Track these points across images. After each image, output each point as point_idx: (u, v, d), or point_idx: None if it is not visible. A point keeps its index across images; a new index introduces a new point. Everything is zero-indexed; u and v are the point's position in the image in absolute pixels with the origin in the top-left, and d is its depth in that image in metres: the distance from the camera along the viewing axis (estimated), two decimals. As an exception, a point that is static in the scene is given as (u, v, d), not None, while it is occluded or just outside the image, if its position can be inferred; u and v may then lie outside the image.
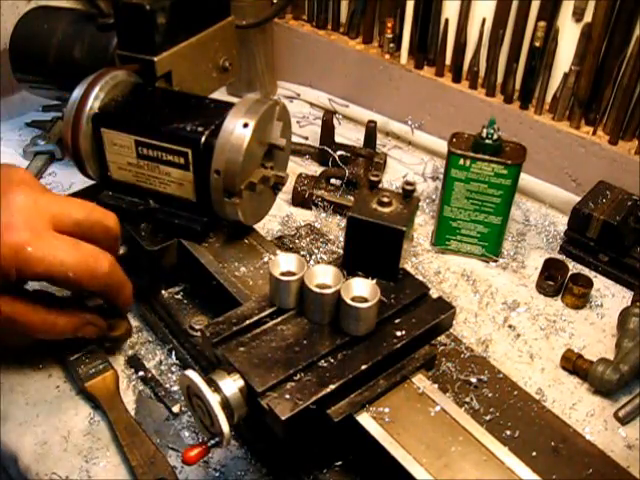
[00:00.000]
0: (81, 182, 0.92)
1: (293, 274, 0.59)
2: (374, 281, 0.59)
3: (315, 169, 1.09)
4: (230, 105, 0.72)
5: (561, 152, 1.02)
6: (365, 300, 0.56)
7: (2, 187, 0.63)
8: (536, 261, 0.92)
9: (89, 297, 0.73)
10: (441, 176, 0.92)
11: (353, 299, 0.56)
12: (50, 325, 0.66)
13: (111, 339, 0.75)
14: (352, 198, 0.98)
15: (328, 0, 1.22)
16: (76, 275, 0.63)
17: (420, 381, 0.60)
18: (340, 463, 0.61)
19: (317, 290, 0.57)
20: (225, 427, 0.52)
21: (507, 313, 0.85)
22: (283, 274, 0.59)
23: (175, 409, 0.70)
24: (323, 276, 0.59)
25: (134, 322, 0.80)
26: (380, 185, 0.67)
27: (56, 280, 0.64)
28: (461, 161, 0.86)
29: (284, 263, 0.60)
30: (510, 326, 0.83)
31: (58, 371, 0.75)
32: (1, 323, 0.63)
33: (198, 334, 0.72)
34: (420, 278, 0.67)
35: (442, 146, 0.98)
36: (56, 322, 0.67)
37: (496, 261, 0.93)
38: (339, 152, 1.06)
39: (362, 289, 0.57)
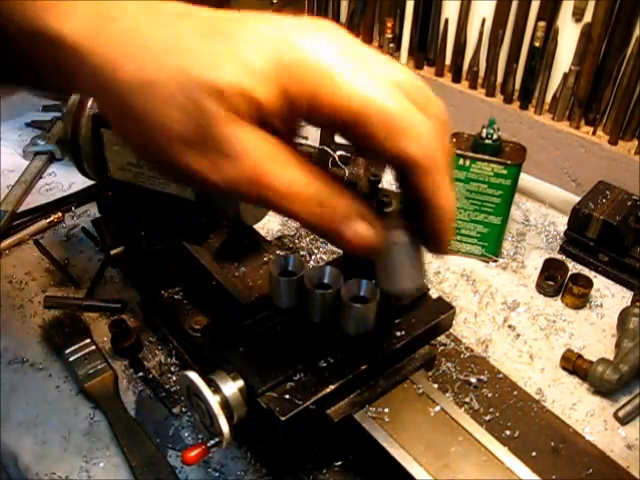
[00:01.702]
0: (81, 182, 0.93)
1: (293, 274, 0.59)
2: (373, 281, 0.59)
3: (315, 169, 1.09)
4: (230, 105, 0.72)
5: (561, 152, 1.02)
6: (365, 300, 0.56)
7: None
8: (536, 261, 0.92)
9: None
10: (441, 176, 0.92)
11: (352, 299, 0.56)
12: (311, 194, 0.41)
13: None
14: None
15: (328, 0, 1.22)
16: (394, 121, 0.40)
17: (420, 381, 0.60)
18: (340, 463, 0.61)
19: (317, 290, 0.57)
20: (225, 427, 0.52)
21: (507, 313, 0.85)
22: (283, 274, 0.59)
23: (175, 409, 0.70)
24: (323, 276, 0.58)
25: (134, 322, 0.80)
26: (380, 185, 0.67)
27: (362, 133, 0.40)
28: (461, 161, 0.86)
29: (284, 263, 0.60)
30: (510, 326, 0.83)
31: (58, 371, 0.75)
32: (248, 173, 0.40)
33: (198, 334, 0.72)
34: (420, 278, 0.67)
35: (442, 146, 0.98)
36: (321, 192, 0.42)
37: (496, 261, 0.93)
38: (339, 152, 1.06)
39: (362, 289, 0.57)
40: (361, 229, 0.42)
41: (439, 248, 0.47)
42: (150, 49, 0.40)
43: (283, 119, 0.40)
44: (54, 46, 0.40)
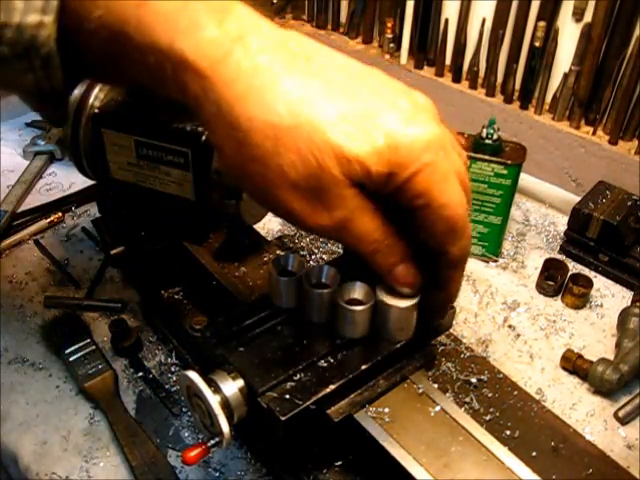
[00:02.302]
0: (81, 182, 0.93)
1: (293, 274, 0.59)
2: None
3: (315, 169, 1.09)
4: (230, 105, 0.72)
5: (561, 152, 1.02)
6: (360, 303, 0.56)
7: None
8: (536, 261, 0.92)
9: None
10: (441, 176, 0.92)
11: (348, 302, 0.56)
12: (381, 241, 0.49)
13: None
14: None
15: (328, 0, 1.22)
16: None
17: (420, 381, 0.60)
18: (340, 463, 0.61)
19: (316, 290, 0.57)
20: (225, 427, 0.52)
21: (507, 313, 0.85)
22: (282, 274, 0.59)
23: (175, 409, 0.70)
24: (321, 276, 0.59)
25: (134, 322, 0.80)
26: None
27: (427, 220, 0.47)
28: (461, 161, 0.86)
29: (283, 263, 0.60)
30: (510, 326, 0.83)
31: (58, 371, 0.75)
32: (342, 221, 0.46)
33: (198, 334, 0.72)
34: (420, 278, 0.67)
35: (442, 146, 0.98)
36: (386, 240, 0.49)
37: (496, 261, 0.93)
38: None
39: (357, 292, 0.57)
40: (408, 269, 0.51)
41: (437, 320, 0.58)
42: (283, 93, 0.42)
43: (378, 192, 0.46)
44: (180, 68, 0.42)
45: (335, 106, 0.43)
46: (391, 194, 0.46)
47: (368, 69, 0.48)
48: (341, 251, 0.68)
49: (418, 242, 0.50)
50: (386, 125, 0.44)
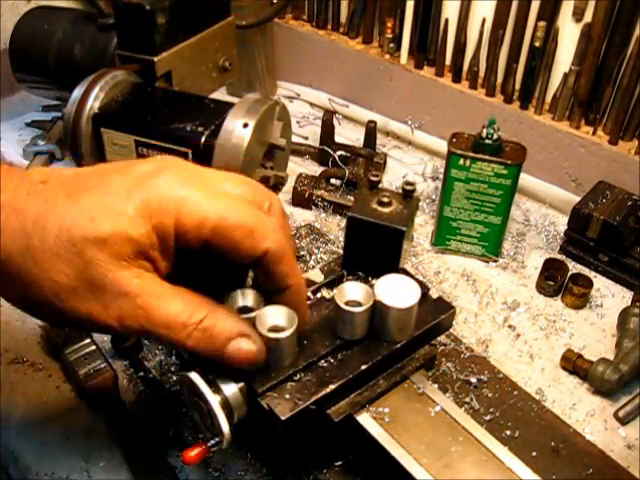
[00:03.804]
0: (81, 182, 0.92)
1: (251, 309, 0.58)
2: (369, 284, 0.59)
3: (315, 169, 1.09)
4: (230, 105, 0.72)
5: (561, 152, 1.02)
6: (359, 304, 0.56)
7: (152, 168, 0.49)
8: (536, 261, 0.92)
9: None
10: (441, 176, 0.92)
11: (347, 303, 0.56)
12: (196, 323, 0.47)
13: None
14: (352, 198, 0.98)
15: (328, 0, 1.22)
16: (245, 221, 0.47)
17: (420, 381, 0.60)
18: (340, 463, 0.61)
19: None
20: (225, 427, 0.52)
21: (507, 313, 0.85)
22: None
23: (175, 409, 0.70)
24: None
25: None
26: (380, 185, 0.67)
27: (221, 232, 0.47)
28: (461, 161, 0.86)
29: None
30: (510, 326, 0.83)
31: (58, 371, 0.75)
32: (135, 312, 0.46)
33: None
34: (420, 278, 0.67)
35: (442, 146, 0.98)
36: (205, 319, 0.47)
37: (496, 261, 0.93)
38: (339, 152, 1.06)
39: (356, 293, 0.57)
40: (245, 346, 0.49)
41: (303, 317, 0.54)
42: (25, 216, 0.45)
43: (161, 251, 0.47)
44: None
45: (73, 202, 0.45)
46: (183, 242, 0.47)
47: (107, 165, 0.50)
48: (341, 251, 0.68)
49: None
50: (123, 192, 0.45)
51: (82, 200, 0.45)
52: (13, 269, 0.45)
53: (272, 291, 0.52)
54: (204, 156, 0.70)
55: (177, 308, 0.47)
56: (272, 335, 0.51)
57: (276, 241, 0.48)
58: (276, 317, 0.53)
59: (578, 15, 0.97)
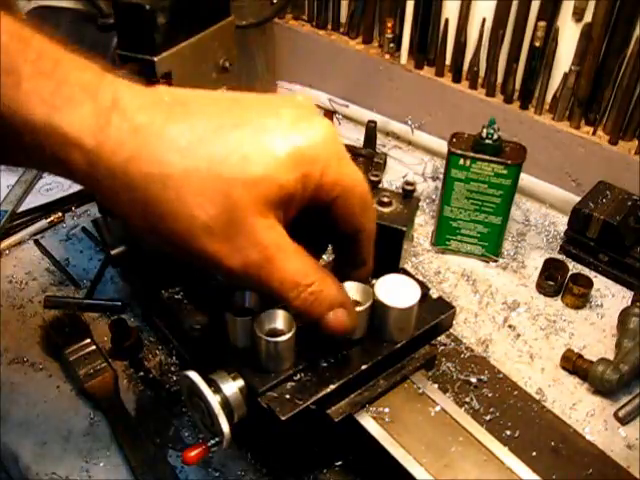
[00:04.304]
0: (81, 182, 0.92)
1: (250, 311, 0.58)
2: (370, 284, 0.59)
3: (315, 169, 1.09)
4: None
5: (561, 152, 1.02)
6: (358, 304, 0.56)
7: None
8: (536, 261, 0.92)
9: None
10: (441, 176, 0.92)
11: None
12: (306, 285, 0.47)
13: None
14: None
15: (328, 0, 1.22)
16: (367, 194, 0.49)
17: (420, 381, 0.60)
18: (340, 463, 0.61)
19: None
20: (225, 427, 0.52)
21: (507, 313, 0.85)
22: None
23: (175, 409, 0.70)
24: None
25: (134, 322, 0.80)
26: (380, 185, 0.67)
27: (345, 205, 0.48)
28: (461, 161, 0.86)
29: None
30: (510, 326, 0.83)
31: (58, 371, 0.75)
32: (258, 261, 0.44)
33: (198, 334, 0.72)
34: (420, 278, 0.67)
35: (442, 146, 0.98)
36: (314, 284, 0.47)
37: (496, 261, 0.93)
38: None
39: (355, 293, 0.57)
40: (342, 316, 0.50)
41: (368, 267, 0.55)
42: (171, 142, 0.42)
43: (299, 202, 0.45)
44: (60, 146, 0.41)
45: (225, 137, 0.43)
46: (312, 197, 0.46)
47: (239, 94, 0.48)
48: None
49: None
50: (279, 135, 0.44)
51: (235, 137, 0.43)
52: (151, 197, 0.42)
53: (349, 264, 0.54)
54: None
55: (296, 267, 0.46)
56: (271, 339, 0.51)
57: (373, 222, 0.51)
58: (274, 320, 0.53)
59: (578, 15, 0.97)
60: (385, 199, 0.64)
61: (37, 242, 0.93)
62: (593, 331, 0.83)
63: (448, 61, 1.12)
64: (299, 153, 0.44)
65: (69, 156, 0.41)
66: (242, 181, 0.42)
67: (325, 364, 0.56)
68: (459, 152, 0.86)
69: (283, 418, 0.51)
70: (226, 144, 0.43)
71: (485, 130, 0.85)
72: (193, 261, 0.45)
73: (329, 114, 1.10)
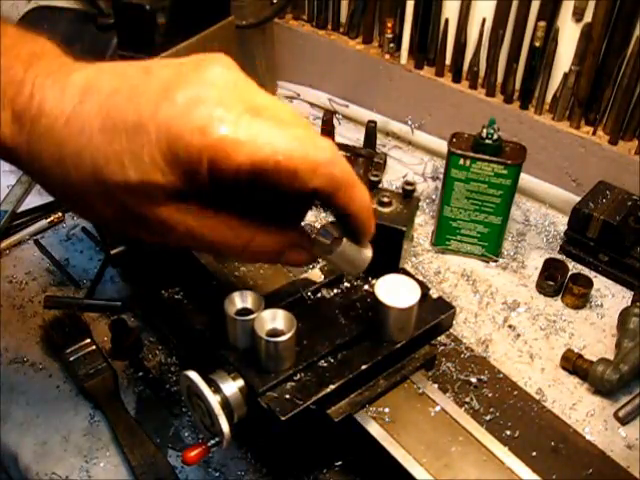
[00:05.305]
0: (81, 182, 0.92)
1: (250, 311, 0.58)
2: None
3: (315, 169, 1.09)
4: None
5: (561, 152, 1.02)
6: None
7: (196, 59, 0.51)
8: (536, 261, 0.92)
9: None
10: (441, 176, 0.92)
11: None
12: (244, 244, 0.49)
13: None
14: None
15: (328, 0, 1.22)
16: (289, 161, 0.45)
17: (420, 381, 0.60)
18: (340, 463, 0.61)
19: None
20: (225, 427, 0.52)
21: (507, 313, 0.85)
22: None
23: (175, 409, 0.70)
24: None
25: (134, 322, 0.80)
26: (380, 185, 0.67)
27: (261, 174, 0.45)
28: (461, 161, 0.86)
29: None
30: (510, 326, 0.83)
31: (58, 371, 0.75)
32: (184, 239, 0.48)
33: (198, 334, 0.72)
34: (420, 278, 0.67)
35: (442, 146, 0.98)
36: (253, 240, 0.49)
37: (496, 261, 0.93)
38: (339, 152, 1.06)
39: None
40: (295, 256, 0.52)
41: (368, 232, 0.53)
42: (67, 150, 0.44)
43: (199, 186, 0.45)
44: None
45: (106, 147, 0.44)
46: (225, 181, 0.45)
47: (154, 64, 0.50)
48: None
49: None
50: (154, 136, 0.44)
51: (115, 145, 0.44)
52: (72, 195, 0.47)
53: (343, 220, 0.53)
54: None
55: (220, 233, 0.48)
56: (271, 339, 0.51)
57: (325, 178, 0.47)
58: (275, 320, 0.53)
59: (578, 15, 0.97)
60: (385, 199, 0.64)
61: (37, 242, 0.93)
62: (593, 331, 0.83)
63: (448, 61, 1.12)
64: (173, 152, 0.44)
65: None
66: (123, 189, 0.44)
67: (325, 364, 0.56)
68: (459, 152, 0.86)
69: (283, 418, 0.51)
70: (104, 152, 0.44)
71: (485, 130, 0.85)
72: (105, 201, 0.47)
73: (329, 114, 1.10)
